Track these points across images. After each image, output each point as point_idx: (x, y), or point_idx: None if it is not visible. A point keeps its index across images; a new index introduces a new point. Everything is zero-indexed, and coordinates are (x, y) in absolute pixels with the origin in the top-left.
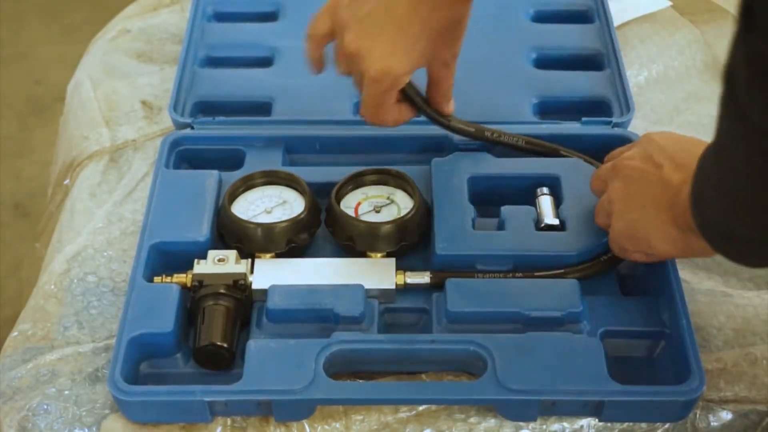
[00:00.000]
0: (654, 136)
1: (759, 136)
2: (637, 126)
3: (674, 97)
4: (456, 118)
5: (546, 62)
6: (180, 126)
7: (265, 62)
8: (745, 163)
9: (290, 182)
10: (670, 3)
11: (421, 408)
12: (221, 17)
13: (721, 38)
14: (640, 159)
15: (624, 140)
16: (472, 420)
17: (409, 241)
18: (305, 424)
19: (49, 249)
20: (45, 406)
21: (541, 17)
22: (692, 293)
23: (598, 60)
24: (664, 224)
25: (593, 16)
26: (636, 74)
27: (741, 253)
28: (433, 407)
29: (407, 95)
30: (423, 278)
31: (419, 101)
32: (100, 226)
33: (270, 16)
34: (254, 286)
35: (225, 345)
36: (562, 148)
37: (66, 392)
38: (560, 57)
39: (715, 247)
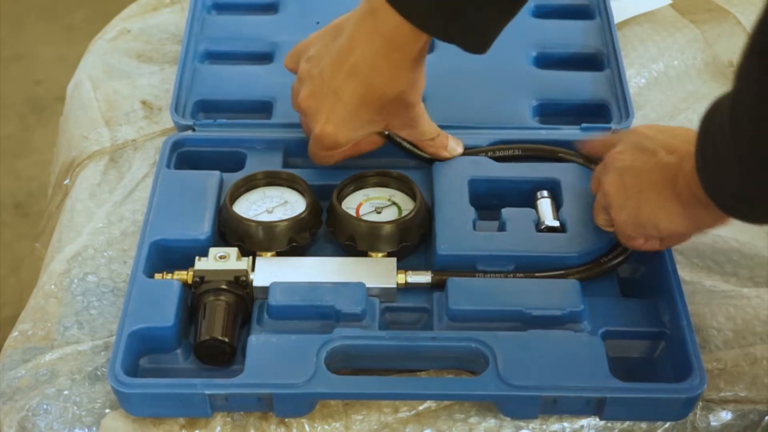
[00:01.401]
0: (640, 129)
1: None
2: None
3: (674, 97)
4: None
5: (546, 61)
6: (181, 128)
7: (265, 58)
8: None
9: (291, 183)
10: (671, 1)
11: (421, 408)
12: (221, 8)
13: (721, 38)
14: (631, 151)
15: None
16: (472, 420)
17: (410, 242)
18: (305, 423)
19: (49, 249)
20: (45, 406)
21: (542, 13)
22: (692, 294)
23: (599, 59)
24: (667, 203)
25: (594, 12)
26: (636, 74)
27: (758, 212)
28: (433, 407)
29: (390, 138)
30: (424, 277)
31: (405, 146)
32: (100, 226)
33: (270, 8)
34: (255, 284)
35: (226, 340)
36: (560, 149)
37: (66, 392)
38: (560, 56)
39: (727, 209)
